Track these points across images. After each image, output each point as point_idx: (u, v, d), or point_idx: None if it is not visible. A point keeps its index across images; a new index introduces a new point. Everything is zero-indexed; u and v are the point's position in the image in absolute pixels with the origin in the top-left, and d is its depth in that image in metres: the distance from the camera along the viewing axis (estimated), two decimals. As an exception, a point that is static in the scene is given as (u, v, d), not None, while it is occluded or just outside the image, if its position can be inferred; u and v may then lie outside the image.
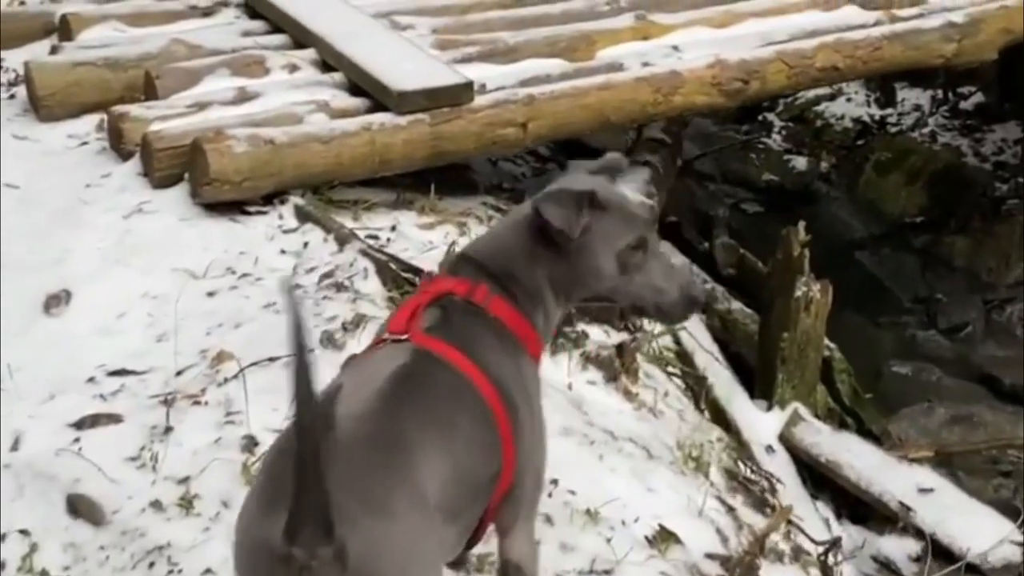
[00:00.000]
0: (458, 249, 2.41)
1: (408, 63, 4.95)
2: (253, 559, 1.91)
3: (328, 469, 1.76)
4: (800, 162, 8.79)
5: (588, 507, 3.10)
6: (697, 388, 4.73)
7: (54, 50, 5.45)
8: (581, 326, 3.91)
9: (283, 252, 4.21)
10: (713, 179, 8.54)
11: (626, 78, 5.17)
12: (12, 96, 5.35)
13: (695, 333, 5.10)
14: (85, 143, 4.96)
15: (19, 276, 4.08)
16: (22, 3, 6.81)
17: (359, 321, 3.64)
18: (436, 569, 2.02)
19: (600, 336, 3.92)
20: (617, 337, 3.96)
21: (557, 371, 3.75)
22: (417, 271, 4.00)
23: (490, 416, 2.16)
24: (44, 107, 5.08)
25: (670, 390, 4.20)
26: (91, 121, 5.07)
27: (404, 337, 2.18)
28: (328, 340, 3.58)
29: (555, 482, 3.15)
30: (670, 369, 4.61)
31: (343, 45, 5.13)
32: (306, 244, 4.24)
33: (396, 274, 3.99)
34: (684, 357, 4.92)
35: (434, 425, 2.07)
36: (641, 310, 2.43)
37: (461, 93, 4.80)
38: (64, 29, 5.61)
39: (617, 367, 3.84)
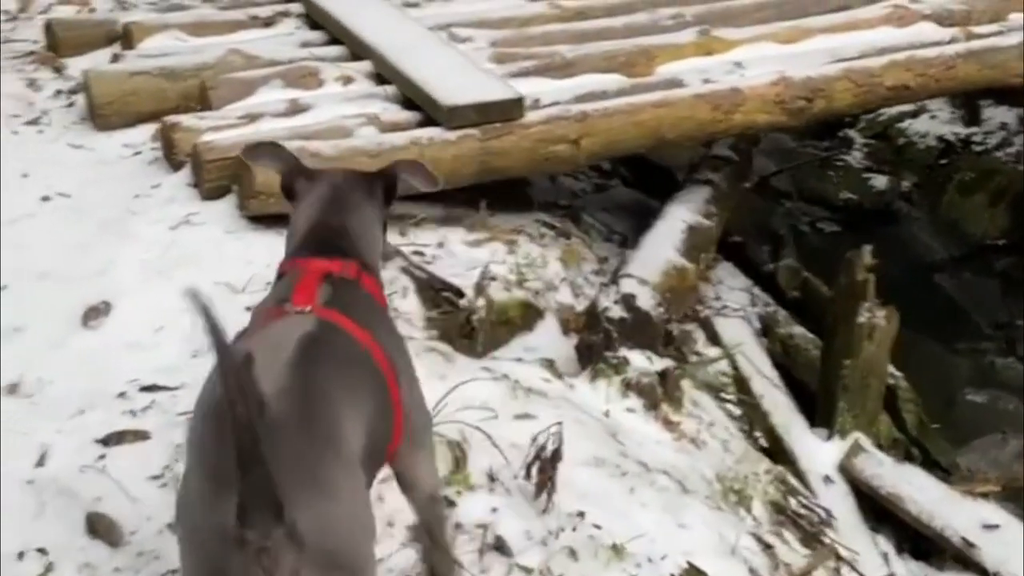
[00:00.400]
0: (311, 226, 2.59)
1: (460, 77, 4.88)
2: (206, 546, 1.94)
3: (264, 451, 1.82)
4: (880, 180, 8.51)
5: (614, 542, 2.99)
6: (752, 416, 4.58)
7: (115, 59, 5.47)
8: (623, 352, 3.79)
9: (325, 268, 4.16)
10: (789, 196, 8.32)
11: (684, 95, 5.03)
12: (71, 104, 5.37)
13: (754, 358, 4.96)
14: (139, 152, 4.96)
15: (62, 287, 4.07)
16: (92, 10, 6.88)
17: (393, 341, 3.56)
18: (374, 533, 2.17)
19: (642, 362, 3.80)
20: (660, 363, 3.83)
21: (595, 397, 3.64)
22: (458, 292, 3.92)
23: (384, 383, 2.34)
24: (101, 116, 5.09)
25: (717, 419, 4.06)
26: (146, 131, 5.07)
27: (307, 309, 2.32)
28: (360, 360, 3.51)
29: (581, 515, 3.05)
30: (723, 395, 4.48)
31: (397, 58, 5.07)
32: (348, 260, 4.18)
33: (435, 294, 3.92)
34: (740, 383, 4.78)
35: (347, 392, 2.19)
36: None
37: (512, 108, 4.71)
38: (126, 38, 5.63)
39: (659, 395, 3.71)
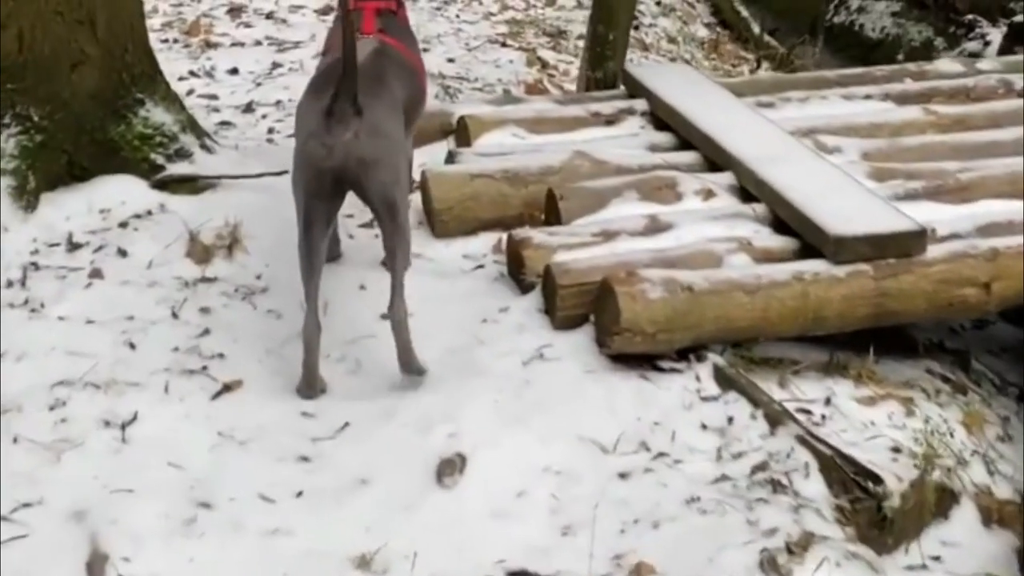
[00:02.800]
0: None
1: (843, 199, 4.31)
2: (310, 121, 3.70)
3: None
4: None
5: None
6: None
7: (450, 156, 5.12)
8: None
9: (704, 427, 3.65)
10: None
11: (1110, 231, 4.32)
12: (406, 204, 5.02)
13: None
14: (481, 266, 4.56)
15: (409, 429, 3.69)
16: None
17: (807, 543, 3.02)
18: (402, 129, 3.96)
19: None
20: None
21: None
22: (875, 477, 3.34)
23: (415, 72, 4.26)
24: (440, 222, 4.71)
25: None
26: (487, 240, 4.68)
27: (371, 36, 4.06)
28: (769, 563, 2.98)
29: None
30: None
31: (764, 171, 4.54)
32: (731, 419, 3.66)
33: (845, 475, 3.35)
34: None
35: (396, 73, 4.02)
36: None
37: (912, 242, 4.11)
38: (462, 132, 5.30)
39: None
